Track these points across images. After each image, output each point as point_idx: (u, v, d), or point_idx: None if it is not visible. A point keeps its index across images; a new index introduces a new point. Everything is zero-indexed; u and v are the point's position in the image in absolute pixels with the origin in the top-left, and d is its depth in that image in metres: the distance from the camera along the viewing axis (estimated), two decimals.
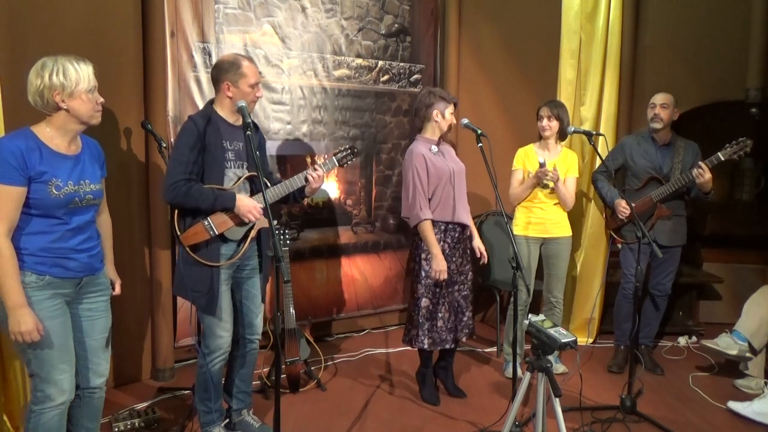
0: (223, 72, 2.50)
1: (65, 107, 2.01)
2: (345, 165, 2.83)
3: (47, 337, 2.01)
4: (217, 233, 2.48)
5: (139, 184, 3.24)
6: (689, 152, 3.54)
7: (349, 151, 2.81)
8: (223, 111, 2.54)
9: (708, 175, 3.25)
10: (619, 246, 3.75)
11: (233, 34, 3.54)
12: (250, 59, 2.58)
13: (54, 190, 2.00)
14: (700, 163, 3.28)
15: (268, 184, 2.57)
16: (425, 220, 2.96)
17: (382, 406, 3.17)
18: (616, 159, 3.67)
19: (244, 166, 2.57)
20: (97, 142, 2.25)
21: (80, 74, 2.01)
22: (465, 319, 3.14)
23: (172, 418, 2.97)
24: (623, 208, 3.51)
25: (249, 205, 2.48)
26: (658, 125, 3.51)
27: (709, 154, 3.29)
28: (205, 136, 2.45)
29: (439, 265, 2.94)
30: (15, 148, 1.93)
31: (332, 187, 4.08)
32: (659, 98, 3.52)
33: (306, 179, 2.63)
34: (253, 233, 2.57)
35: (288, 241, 3.27)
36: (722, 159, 3.25)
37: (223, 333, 2.57)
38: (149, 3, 3.16)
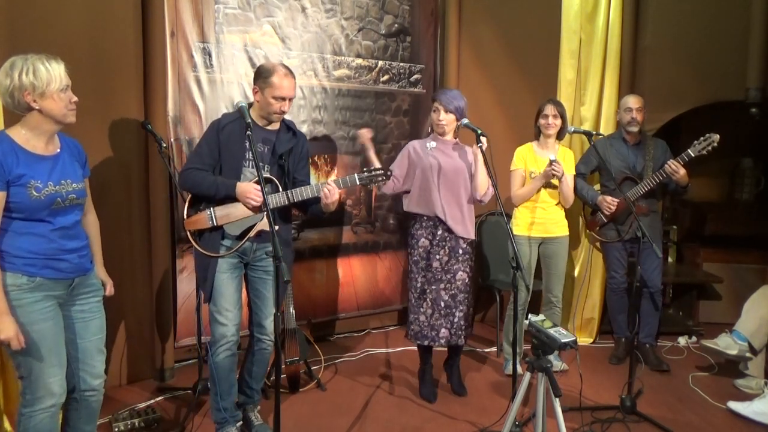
0: (256, 75, 2.60)
1: (37, 107, 1.96)
2: (369, 186, 2.80)
3: (37, 340, 1.98)
4: (216, 224, 2.55)
5: (139, 184, 3.24)
6: (658, 149, 3.65)
7: (377, 173, 2.65)
8: (254, 113, 2.61)
9: (682, 171, 3.39)
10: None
11: (233, 34, 3.53)
12: (290, 74, 2.56)
13: (34, 192, 1.96)
14: (671, 161, 3.39)
15: (279, 188, 2.59)
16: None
17: (382, 406, 3.17)
18: (590, 162, 3.73)
19: (266, 168, 2.61)
20: (78, 142, 2.21)
21: (51, 73, 1.95)
22: (456, 320, 3.10)
23: (172, 418, 2.97)
24: (609, 203, 3.57)
25: (247, 188, 2.50)
26: (635, 128, 3.61)
27: (708, 154, 3.33)
28: (223, 135, 2.55)
29: None
30: None
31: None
32: (634, 102, 3.61)
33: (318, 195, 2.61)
34: (252, 233, 2.57)
35: None
36: (692, 155, 3.35)
37: (224, 321, 2.59)
38: (149, 3, 3.16)
